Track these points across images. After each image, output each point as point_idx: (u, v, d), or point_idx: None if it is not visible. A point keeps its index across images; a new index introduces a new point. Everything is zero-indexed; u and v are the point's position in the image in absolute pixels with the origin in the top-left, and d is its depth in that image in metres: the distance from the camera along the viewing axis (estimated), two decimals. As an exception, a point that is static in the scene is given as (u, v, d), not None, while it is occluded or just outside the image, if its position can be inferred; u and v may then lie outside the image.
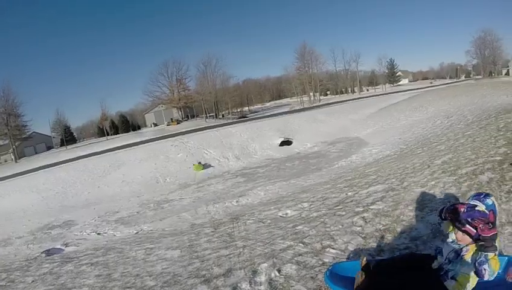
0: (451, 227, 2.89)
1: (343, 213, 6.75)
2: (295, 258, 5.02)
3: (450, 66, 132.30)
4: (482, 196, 2.84)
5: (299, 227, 6.71)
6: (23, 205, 27.78)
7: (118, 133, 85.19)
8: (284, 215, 8.70)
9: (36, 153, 69.87)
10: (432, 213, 5.30)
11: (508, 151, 7.56)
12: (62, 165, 39.04)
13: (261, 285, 4.49)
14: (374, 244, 4.84)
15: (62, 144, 74.18)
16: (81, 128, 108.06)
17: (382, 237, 4.99)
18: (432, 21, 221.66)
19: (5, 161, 66.81)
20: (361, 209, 6.63)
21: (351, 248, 4.94)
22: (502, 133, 9.96)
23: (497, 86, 37.45)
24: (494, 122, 12.65)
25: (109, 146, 47.53)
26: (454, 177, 6.85)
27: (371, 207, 6.54)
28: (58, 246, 14.15)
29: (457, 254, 2.80)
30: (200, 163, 31.86)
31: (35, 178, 35.10)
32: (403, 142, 18.98)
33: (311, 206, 8.67)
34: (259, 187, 18.93)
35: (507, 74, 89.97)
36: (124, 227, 16.46)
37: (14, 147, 62.99)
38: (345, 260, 4.56)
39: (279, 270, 4.74)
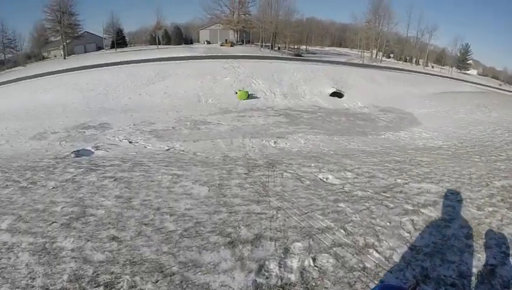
0: None
1: (391, 205, 6.37)
2: (334, 249, 4.66)
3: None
4: None
5: (342, 205, 6.36)
6: (64, 101, 28.59)
7: (170, 44, 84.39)
8: (325, 180, 8.30)
9: (86, 51, 71.68)
10: (485, 251, 4.87)
11: None
12: (108, 67, 39.49)
13: (291, 272, 4.09)
14: (420, 265, 4.45)
15: (113, 46, 75.14)
16: (134, 33, 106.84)
17: (430, 258, 4.60)
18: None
19: (55, 56, 69.09)
20: (411, 208, 6.24)
21: (396, 258, 4.56)
22: None
23: None
24: None
25: (158, 55, 47.33)
26: None
27: (422, 210, 6.13)
28: (89, 148, 14.23)
29: None
30: (246, 91, 31.23)
31: (80, 76, 35.78)
32: (457, 137, 18.00)
33: (356, 180, 8.26)
34: (300, 133, 18.71)
35: None
36: (156, 140, 16.51)
37: (64, 44, 65.09)
38: (387, 271, 4.26)
39: (314, 259, 4.37)
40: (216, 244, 4.65)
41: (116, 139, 16.67)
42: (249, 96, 30.98)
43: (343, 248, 4.71)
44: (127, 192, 6.82)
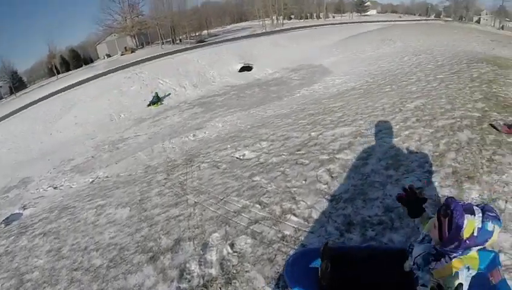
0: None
1: (306, 161, 6.02)
2: (251, 227, 4.38)
3: (421, 3, 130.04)
4: (491, 214, 1.96)
5: (257, 178, 6.00)
6: None
7: (70, 70, 79.51)
8: (241, 158, 7.96)
9: None
10: (408, 176, 4.59)
11: (486, 108, 6.78)
12: (10, 117, 36.65)
13: (211, 267, 3.95)
14: (341, 213, 4.12)
15: (12, 92, 69.97)
16: (31, 70, 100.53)
17: (351, 202, 4.25)
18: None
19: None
20: (327, 157, 5.91)
21: (315, 215, 4.23)
22: (476, 84, 9.16)
23: (468, 32, 36.94)
24: (467, 69, 11.87)
25: (60, 86, 44.35)
26: (431, 130, 6.10)
27: (337, 156, 5.81)
28: (17, 211, 13.21)
29: (426, 261, 2.08)
30: (158, 98, 29.83)
31: None
32: (369, 74, 18.22)
33: (271, 147, 7.93)
34: (217, 118, 18.13)
35: (478, 21, 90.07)
36: (79, 176, 15.52)
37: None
38: (308, 232, 3.91)
39: (232, 245, 4.17)
40: (139, 263, 4.59)
41: (41, 190, 15.38)
42: (161, 99, 29.83)
43: (260, 223, 4.44)
44: (57, 243, 6.65)
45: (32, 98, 43.51)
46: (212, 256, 4.13)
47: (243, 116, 16.42)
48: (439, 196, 4.02)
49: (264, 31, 68.40)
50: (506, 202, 3.79)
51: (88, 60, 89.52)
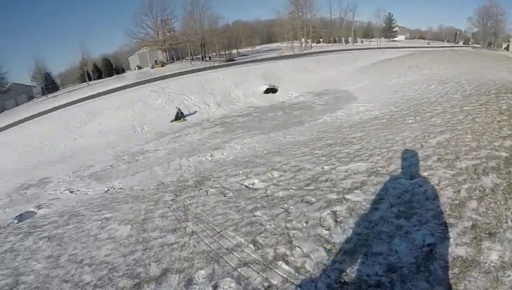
0: None
1: (313, 200, 5.60)
2: (239, 269, 4.07)
3: (449, 29, 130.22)
4: None
5: (258, 213, 5.64)
6: (0, 165, 26.62)
7: (101, 78, 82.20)
8: (250, 186, 7.62)
9: (18, 104, 67.80)
10: (420, 228, 4.07)
11: None
12: (38, 117, 37.76)
13: None
14: (337, 268, 3.69)
15: (43, 93, 71.73)
16: (64, 74, 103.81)
17: (351, 256, 3.81)
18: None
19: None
20: (335, 197, 5.46)
21: (308, 266, 3.83)
22: (505, 118, 8.52)
23: (497, 59, 35.99)
24: (495, 100, 11.29)
25: (89, 93, 45.79)
26: (452, 173, 5.50)
27: (347, 196, 5.35)
28: (31, 209, 13.47)
29: None
30: (181, 114, 29.93)
31: (11, 134, 33.97)
32: (393, 103, 17.79)
33: (281, 178, 7.54)
34: (236, 139, 17.99)
35: (507, 48, 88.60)
36: (96, 183, 15.65)
37: (-9, 101, 61.27)
38: (296, 285, 3.53)
39: (215, 287, 3.85)
40: (123, 288, 4.44)
41: (58, 192, 15.60)
42: (184, 116, 29.83)
43: (249, 266, 4.12)
44: (58, 250, 6.62)
45: (61, 101, 45.33)
46: (193, 295, 3.92)
47: (262, 140, 16.22)
48: (453, 256, 3.52)
49: (292, 53, 68.57)
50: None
51: (120, 70, 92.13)
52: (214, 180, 9.07)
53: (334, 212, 4.87)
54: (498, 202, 4.37)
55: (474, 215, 4.16)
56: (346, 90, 29.53)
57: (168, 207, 7.55)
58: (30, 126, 34.94)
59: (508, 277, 3.07)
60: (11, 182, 20.47)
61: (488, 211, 4.20)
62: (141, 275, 4.64)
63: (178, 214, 6.88)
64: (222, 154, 15.21)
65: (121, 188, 13.31)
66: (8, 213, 14.06)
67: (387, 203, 4.83)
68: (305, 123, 19.17)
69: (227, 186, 8.10)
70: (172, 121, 29.19)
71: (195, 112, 31.29)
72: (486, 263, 3.32)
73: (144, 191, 11.05)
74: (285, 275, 3.76)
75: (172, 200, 8.16)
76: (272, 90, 35.98)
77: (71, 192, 15.12)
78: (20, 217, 12.42)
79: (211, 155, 15.38)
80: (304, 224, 4.78)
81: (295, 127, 18.20)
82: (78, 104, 39.48)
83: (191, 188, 8.88)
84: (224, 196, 7.34)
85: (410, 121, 11.18)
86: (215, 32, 78.20)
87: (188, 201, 7.63)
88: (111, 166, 18.74)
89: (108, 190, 13.70)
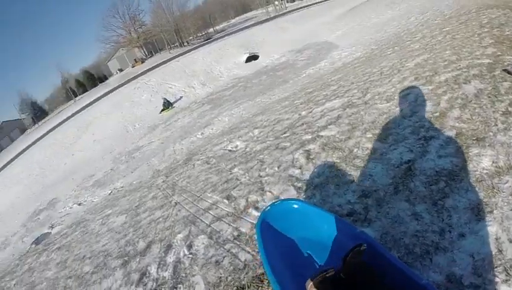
0: None
1: (288, 144, 5.46)
2: (212, 225, 4.12)
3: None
4: None
5: (235, 170, 5.57)
6: (9, 200, 26.46)
7: (86, 91, 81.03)
8: (233, 149, 7.51)
9: (12, 141, 67.35)
10: (398, 146, 3.86)
11: (498, 53, 5.80)
12: (34, 145, 38.03)
13: (166, 270, 3.83)
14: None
15: (34, 122, 71.42)
16: (50, 98, 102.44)
17: (321, 189, 3.62)
18: None
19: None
20: (310, 137, 5.30)
21: None
22: (486, 30, 8.11)
23: None
24: (476, 17, 10.79)
25: (76, 108, 45.53)
26: (431, 87, 5.25)
27: (321, 133, 5.17)
28: (46, 230, 13.76)
29: None
30: (168, 102, 29.68)
31: (13, 169, 33.98)
32: (375, 42, 17.37)
33: (261, 133, 7.45)
34: (224, 113, 17.77)
35: None
36: (100, 190, 15.74)
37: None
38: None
39: (189, 246, 3.96)
40: (114, 268, 4.69)
41: (67, 208, 15.70)
42: (171, 104, 29.59)
43: (221, 220, 4.13)
44: (66, 255, 6.89)
45: (52, 124, 45.08)
46: (171, 258, 4.02)
47: (249, 107, 16.05)
48: (436, 170, 3.25)
49: (268, 17, 67.42)
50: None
51: (102, 78, 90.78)
52: (201, 154, 9.03)
53: (307, 152, 4.71)
54: (484, 106, 4.14)
55: (457, 124, 3.93)
56: (326, 40, 29.01)
57: (159, 188, 7.62)
58: (28, 156, 35.19)
59: (506, 183, 2.83)
60: (23, 212, 20.62)
61: (473, 117, 3.97)
62: (130, 253, 4.83)
63: (167, 191, 6.93)
64: (211, 129, 15.12)
65: (122, 187, 13.50)
66: (25, 242, 14.31)
67: (361, 130, 4.63)
68: (289, 81, 18.93)
69: (211, 155, 8.05)
70: (161, 111, 29.01)
71: (181, 97, 31.03)
72: (476, 171, 3.08)
73: (141, 182, 11.20)
74: (253, 221, 3.69)
75: (163, 181, 8.23)
76: (253, 57, 35.34)
77: (79, 204, 15.30)
78: (37, 241, 12.75)
79: (202, 133, 15.30)
80: (276, 169, 4.66)
81: (279, 87, 17.97)
82: (68, 121, 39.48)
83: (180, 167, 8.94)
84: (208, 164, 7.30)
85: (388, 52, 10.92)
86: (187, 16, 76.59)
87: (176, 178, 7.69)
88: (111, 169, 18.80)
89: (111, 192, 13.91)
